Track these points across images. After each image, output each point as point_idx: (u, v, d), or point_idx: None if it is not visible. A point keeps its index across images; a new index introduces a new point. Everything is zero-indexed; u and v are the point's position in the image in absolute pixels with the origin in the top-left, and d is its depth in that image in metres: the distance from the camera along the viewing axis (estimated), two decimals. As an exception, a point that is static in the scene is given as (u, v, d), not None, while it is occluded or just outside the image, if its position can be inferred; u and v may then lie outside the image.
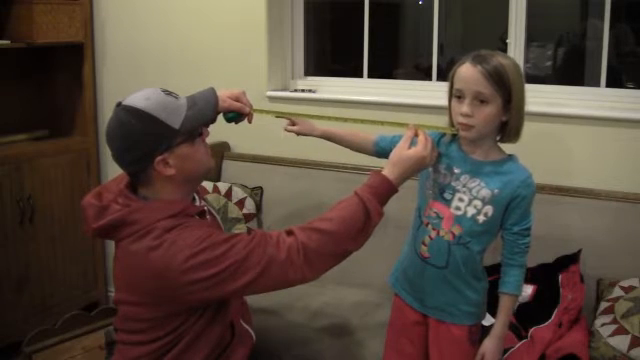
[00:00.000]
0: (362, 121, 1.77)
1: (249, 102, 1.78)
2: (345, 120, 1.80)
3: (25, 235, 2.81)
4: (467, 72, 1.56)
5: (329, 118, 1.84)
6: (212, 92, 1.66)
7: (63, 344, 2.44)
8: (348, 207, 1.55)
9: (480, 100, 1.55)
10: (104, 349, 2.52)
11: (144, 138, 1.51)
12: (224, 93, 1.73)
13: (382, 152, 1.80)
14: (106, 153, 3.13)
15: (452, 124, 1.64)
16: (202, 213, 1.64)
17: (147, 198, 1.57)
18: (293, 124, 1.86)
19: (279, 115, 1.88)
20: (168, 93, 1.57)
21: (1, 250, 2.72)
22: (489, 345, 1.66)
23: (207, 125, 1.66)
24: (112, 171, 3.06)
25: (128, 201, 1.56)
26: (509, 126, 1.59)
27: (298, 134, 1.87)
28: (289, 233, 1.54)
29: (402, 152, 1.60)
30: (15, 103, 3.02)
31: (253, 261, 1.48)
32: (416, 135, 1.62)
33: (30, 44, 2.76)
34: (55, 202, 2.92)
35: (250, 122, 1.81)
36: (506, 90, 1.54)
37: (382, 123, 1.73)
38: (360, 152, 1.89)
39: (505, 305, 1.66)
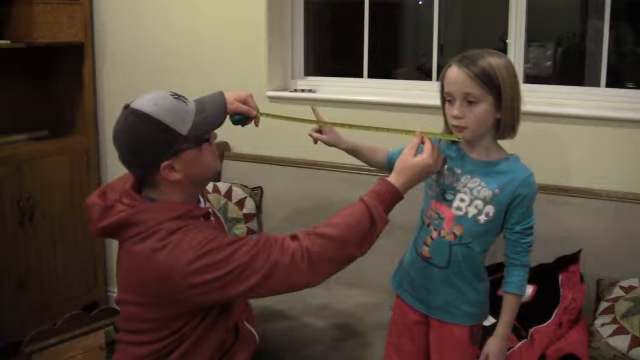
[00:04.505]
0: (368, 127, 1.74)
1: (256, 105, 1.77)
2: (350, 126, 1.78)
3: (25, 235, 2.81)
4: (454, 75, 1.56)
5: (342, 125, 1.81)
6: (221, 97, 1.64)
7: (63, 344, 2.44)
8: (354, 213, 1.54)
9: (469, 101, 1.55)
10: (104, 349, 2.52)
11: (151, 143, 1.50)
12: (231, 95, 1.71)
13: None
14: (106, 153, 3.14)
15: (447, 127, 1.64)
16: (207, 215, 1.64)
17: (152, 199, 1.57)
18: (320, 131, 1.84)
19: (304, 121, 1.85)
20: (177, 97, 1.55)
21: (1, 250, 2.72)
22: (493, 345, 1.65)
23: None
24: (112, 171, 3.06)
25: (133, 201, 1.55)
26: (502, 123, 1.58)
27: (326, 144, 1.84)
28: (293, 238, 1.53)
29: (408, 159, 1.60)
30: (15, 103, 3.01)
31: (257, 265, 1.47)
32: (422, 142, 1.62)
33: (30, 44, 2.75)
34: (55, 202, 2.92)
35: (257, 125, 1.80)
36: (496, 88, 1.54)
37: (388, 130, 1.72)
38: (375, 167, 1.88)
39: (509, 305, 1.65)
